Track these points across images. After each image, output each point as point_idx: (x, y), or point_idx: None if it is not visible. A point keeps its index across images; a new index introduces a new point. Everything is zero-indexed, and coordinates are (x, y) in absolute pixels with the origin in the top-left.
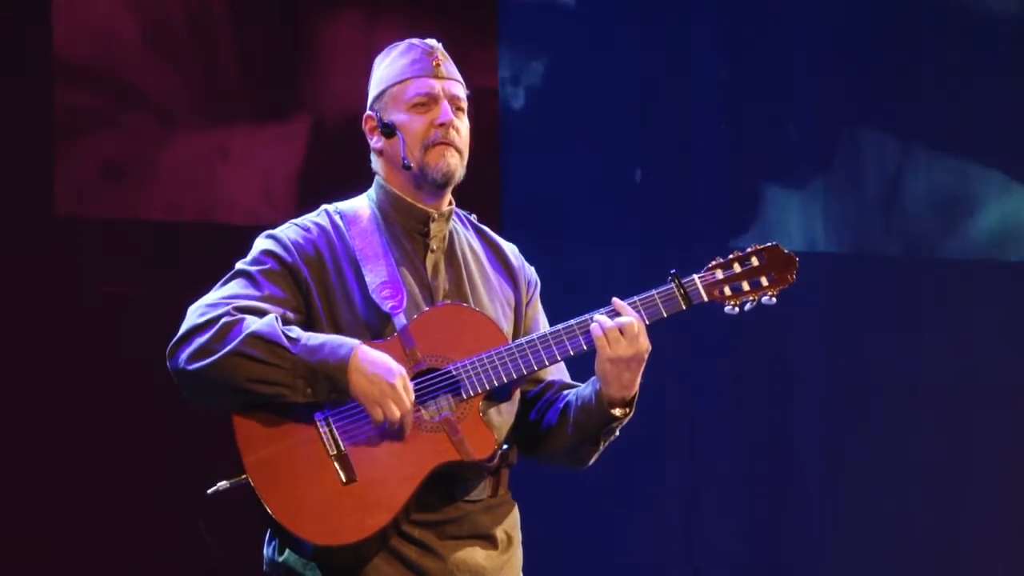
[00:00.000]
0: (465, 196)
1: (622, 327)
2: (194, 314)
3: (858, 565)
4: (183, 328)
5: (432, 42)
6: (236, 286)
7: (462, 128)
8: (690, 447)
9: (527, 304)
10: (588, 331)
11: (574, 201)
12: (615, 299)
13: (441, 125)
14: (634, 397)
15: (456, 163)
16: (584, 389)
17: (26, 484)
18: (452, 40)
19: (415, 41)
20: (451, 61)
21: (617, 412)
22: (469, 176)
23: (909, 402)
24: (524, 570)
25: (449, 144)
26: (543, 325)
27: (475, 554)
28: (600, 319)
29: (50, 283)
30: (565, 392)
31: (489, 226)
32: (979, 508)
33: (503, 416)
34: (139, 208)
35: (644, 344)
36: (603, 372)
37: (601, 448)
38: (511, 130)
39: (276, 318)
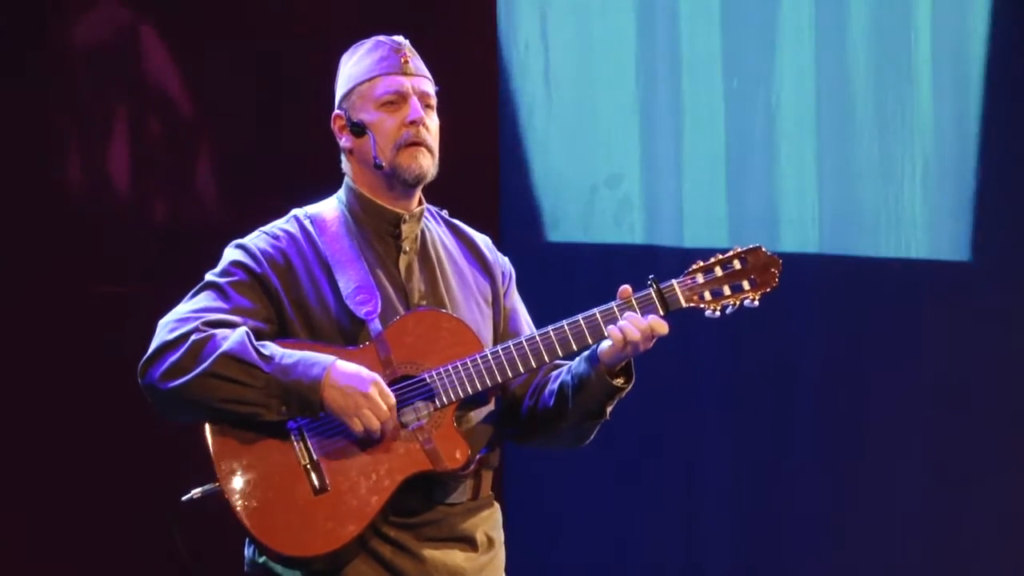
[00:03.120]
0: (465, 193)
1: (635, 329)
2: (164, 330)
3: (858, 565)
4: (153, 345)
5: (399, 39)
6: (205, 299)
7: (432, 126)
8: (690, 447)
9: (504, 295)
10: (581, 331)
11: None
12: (625, 287)
13: (412, 123)
14: (629, 363)
15: (428, 164)
16: (577, 367)
17: (23, 483)
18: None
19: (382, 38)
20: (419, 57)
21: (619, 382)
22: (469, 175)
23: (908, 402)
24: (524, 570)
25: (420, 144)
26: (523, 316)
27: (454, 556)
28: (625, 326)
29: (49, 282)
30: (554, 373)
31: (485, 225)
32: (978, 510)
33: (481, 422)
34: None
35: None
36: (611, 359)
37: (604, 420)
38: (509, 111)
39: (247, 334)
